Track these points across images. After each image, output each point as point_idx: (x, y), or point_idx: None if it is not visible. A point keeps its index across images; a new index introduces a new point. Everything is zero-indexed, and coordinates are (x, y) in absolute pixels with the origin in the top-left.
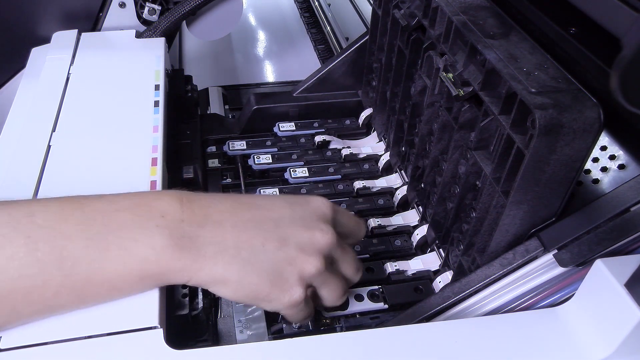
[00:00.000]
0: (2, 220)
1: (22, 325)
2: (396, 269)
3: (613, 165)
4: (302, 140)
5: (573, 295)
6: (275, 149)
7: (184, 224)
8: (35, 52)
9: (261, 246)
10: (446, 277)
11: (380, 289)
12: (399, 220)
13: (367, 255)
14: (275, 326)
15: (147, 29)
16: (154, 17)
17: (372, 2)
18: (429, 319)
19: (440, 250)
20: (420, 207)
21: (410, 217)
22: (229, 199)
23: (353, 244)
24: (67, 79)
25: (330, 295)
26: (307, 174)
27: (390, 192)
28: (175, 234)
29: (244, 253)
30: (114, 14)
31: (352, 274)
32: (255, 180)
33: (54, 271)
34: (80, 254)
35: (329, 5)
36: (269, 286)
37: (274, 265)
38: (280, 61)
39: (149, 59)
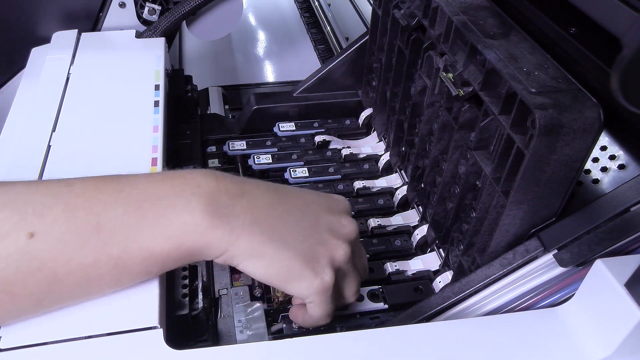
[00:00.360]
0: (41, 190)
1: (65, 302)
2: (396, 269)
3: (613, 165)
4: (302, 140)
5: (573, 295)
6: (275, 149)
7: (221, 192)
8: (35, 52)
9: (295, 224)
10: (446, 277)
11: (380, 289)
12: (399, 220)
13: (367, 256)
14: (275, 326)
15: (147, 29)
16: (154, 17)
17: (372, 2)
18: (429, 319)
19: (440, 250)
20: (420, 207)
21: (410, 217)
22: (261, 182)
23: None
24: (67, 79)
25: (350, 288)
26: (307, 174)
27: (390, 192)
28: (212, 202)
29: (279, 228)
30: (114, 14)
31: (363, 271)
32: None
33: (92, 238)
34: (117, 221)
35: (329, 5)
36: (302, 264)
37: (308, 245)
38: (280, 61)
39: (149, 59)
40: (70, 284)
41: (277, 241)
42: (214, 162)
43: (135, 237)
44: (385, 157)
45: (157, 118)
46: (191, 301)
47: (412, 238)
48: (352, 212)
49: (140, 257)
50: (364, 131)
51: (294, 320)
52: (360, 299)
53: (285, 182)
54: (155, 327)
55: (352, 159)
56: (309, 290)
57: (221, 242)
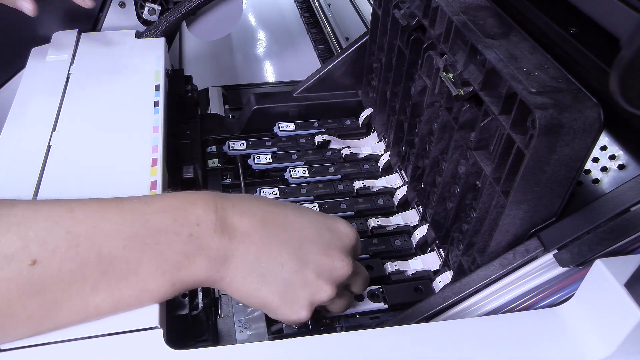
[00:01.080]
0: (44, 214)
1: (62, 326)
2: (396, 269)
3: (613, 165)
4: (302, 140)
5: (573, 295)
6: (275, 149)
7: (216, 234)
8: (35, 52)
9: (280, 265)
10: (446, 277)
11: (380, 289)
12: (399, 220)
13: (367, 256)
14: (275, 326)
15: (147, 29)
16: (154, 17)
17: (372, 2)
18: (429, 319)
19: (440, 250)
20: (420, 207)
21: (410, 217)
22: (262, 209)
23: None
24: (67, 79)
25: (335, 309)
26: (307, 174)
27: (390, 192)
28: (207, 246)
29: (262, 267)
30: (114, 14)
31: (359, 291)
32: (255, 180)
33: (92, 267)
34: (118, 253)
35: (329, 5)
36: (278, 302)
37: (288, 285)
38: (280, 61)
39: (149, 59)
40: (68, 310)
41: (258, 280)
42: (214, 162)
43: (133, 269)
44: (385, 157)
45: (157, 118)
46: (191, 301)
47: (412, 238)
48: (353, 212)
49: (137, 289)
50: (364, 131)
51: None
52: (360, 298)
53: (285, 182)
54: (155, 327)
55: (352, 159)
56: (285, 321)
57: (208, 279)
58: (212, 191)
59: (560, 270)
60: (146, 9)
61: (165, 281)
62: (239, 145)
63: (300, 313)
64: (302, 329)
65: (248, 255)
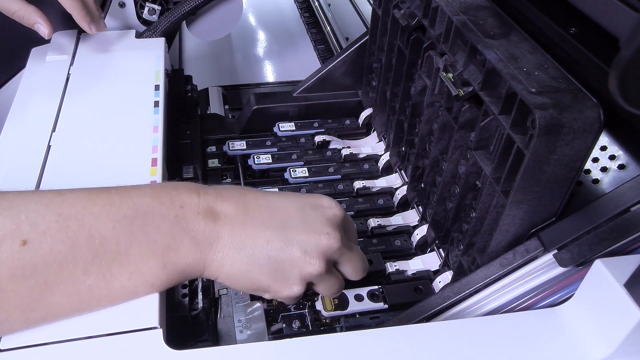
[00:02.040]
0: (34, 199)
1: (54, 315)
2: (396, 269)
3: (613, 165)
4: (302, 140)
5: (573, 295)
6: (275, 149)
7: (200, 217)
8: (35, 52)
9: (265, 244)
10: (446, 277)
11: (380, 289)
12: (399, 220)
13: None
14: (275, 326)
15: (147, 29)
16: (154, 17)
17: (372, 2)
18: (429, 319)
19: (440, 250)
20: (420, 207)
21: (410, 217)
22: (243, 195)
23: None
24: (67, 79)
25: (325, 291)
26: (307, 174)
27: (390, 192)
28: (192, 227)
29: (249, 249)
30: (114, 14)
31: (352, 274)
32: (255, 180)
33: (83, 248)
34: (108, 234)
35: (329, 5)
36: (269, 281)
37: (277, 263)
38: (280, 61)
39: (149, 59)
40: (61, 293)
41: (245, 262)
42: (214, 162)
43: (125, 252)
44: (385, 157)
45: (157, 118)
46: (191, 301)
47: (412, 238)
48: (353, 212)
49: (129, 270)
50: (364, 131)
51: None
52: (360, 299)
53: (285, 182)
54: (155, 328)
55: (352, 159)
56: (277, 298)
57: (199, 264)
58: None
59: (560, 270)
60: (146, 9)
61: (156, 263)
62: (239, 145)
63: (293, 288)
64: (302, 329)
65: (233, 237)
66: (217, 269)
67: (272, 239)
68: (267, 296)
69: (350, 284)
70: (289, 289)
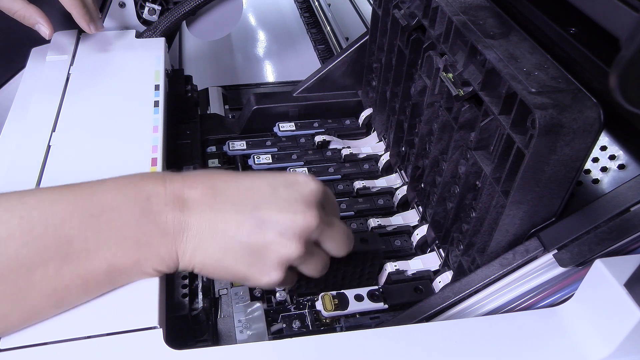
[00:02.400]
0: None
1: (34, 316)
2: (396, 269)
3: (613, 165)
4: (302, 140)
5: (573, 295)
6: (275, 149)
7: (167, 208)
8: (35, 52)
9: (236, 229)
10: (446, 277)
11: (380, 289)
12: (399, 220)
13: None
14: (275, 326)
15: (147, 29)
16: (154, 17)
17: (372, 2)
18: (429, 319)
19: (440, 250)
20: (420, 207)
21: (410, 217)
22: (212, 178)
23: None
24: (67, 79)
25: (309, 271)
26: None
27: (390, 192)
28: (160, 219)
29: (221, 236)
30: (114, 14)
31: (335, 251)
32: None
33: (51, 250)
34: (74, 233)
35: (329, 5)
36: (245, 267)
37: (250, 249)
38: (280, 61)
39: (149, 59)
40: (37, 296)
41: (218, 250)
42: (214, 162)
43: (95, 249)
44: (385, 157)
45: (157, 118)
46: (191, 301)
47: (412, 238)
48: (353, 212)
49: (103, 268)
50: (364, 131)
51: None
52: (360, 299)
53: None
54: (155, 327)
55: (352, 159)
56: (258, 286)
57: (172, 255)
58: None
59: (560, 270)
60: (146, 9)
61: (129, 258)
62: (239, 145)
63: (271, 274)
64: (302, 329)
65: (202, 225)
66: (191, 260)
67: (243, 222)
68: (249, 284)
69: (350, 285)
70: (267, 276)
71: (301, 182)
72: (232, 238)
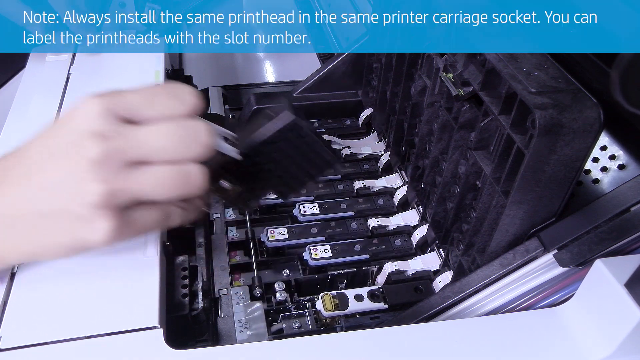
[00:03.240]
0: None
1: None
2: (396, 269)
3: (613, 165)
4: None
5: (573, 295)
6: None
7: None
8: (36, 52)
9: (20, 207)
10: (446, 277)
11: (380, 289)
12: (399, 220)
13: (367, 256)
14: (275, 326)
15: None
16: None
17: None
18: (429, 319)
19: (440, 250)
20: (420, 207)
21: (410, 217)
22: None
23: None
24: (67, 79)
25: (148, 228)
26: None
27: (390, 192)
28: None
29: (7, 221)
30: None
31: (160, 193)
32: None
33: None
34: None
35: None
36: (57, 241)
37: (45, 221)
38: (280, 61)
39: (149, 59)
40: None
41: (15, 236)
42: None
43: None
44: (385, 157)
45: None
46: (191, 301)
47: (412, 238)
48: (353, 212)
49: None
50: (364, 131)
51: None
52: (360, 299)
53: None
54: (155, 327)
55: (352, 159)
56: (98, 247)
57: None
58: None
59: (560, 270)
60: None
61: None
62: None
63: (94, 232)
64: (302, 329)
65: None
66: (6, 258)
67: (20, 197)
68: (86, 252)
69: (350, 285)
70: (91, 235)
71: (71, 117)
72: (20, 218)
